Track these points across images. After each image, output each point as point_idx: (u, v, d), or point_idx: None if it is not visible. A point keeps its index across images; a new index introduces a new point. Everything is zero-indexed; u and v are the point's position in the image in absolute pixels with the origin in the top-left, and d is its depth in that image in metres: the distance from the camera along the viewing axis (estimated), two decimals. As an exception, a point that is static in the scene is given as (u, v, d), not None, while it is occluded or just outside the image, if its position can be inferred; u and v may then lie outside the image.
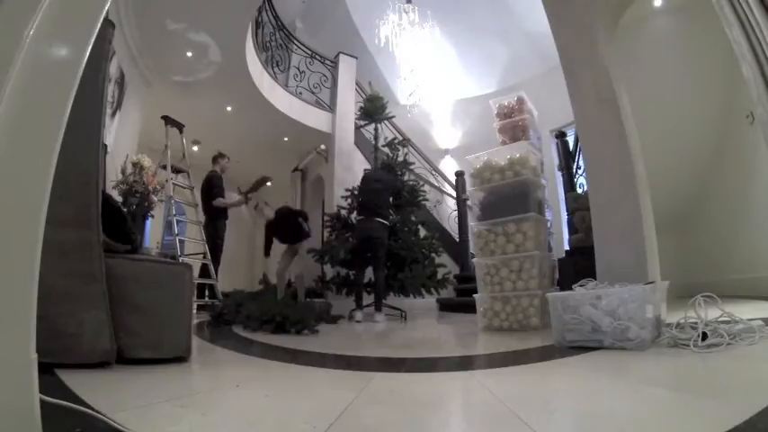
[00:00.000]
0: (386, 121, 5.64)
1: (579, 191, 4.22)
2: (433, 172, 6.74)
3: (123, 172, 3.83)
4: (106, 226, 1.46)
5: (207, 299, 4.37)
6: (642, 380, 1.25)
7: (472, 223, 3.27)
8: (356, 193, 4.75)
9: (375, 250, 4.04)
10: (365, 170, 5.17)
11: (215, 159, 5.14)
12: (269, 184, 5.36)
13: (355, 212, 4.56)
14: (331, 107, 6.52)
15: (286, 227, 4.59)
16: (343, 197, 5.04)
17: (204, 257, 4.50)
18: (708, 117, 3.73)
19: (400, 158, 5.12)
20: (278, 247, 4.79)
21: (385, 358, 1.89)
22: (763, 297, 2.89)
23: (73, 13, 0.73)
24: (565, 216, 4.37)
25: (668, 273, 2.42)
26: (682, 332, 1.59)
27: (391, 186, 4.51)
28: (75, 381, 1.15)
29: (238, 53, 4.98)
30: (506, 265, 2.71)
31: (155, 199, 3.99)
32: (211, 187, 4.82)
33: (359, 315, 3.82)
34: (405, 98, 6.25)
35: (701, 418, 0.83)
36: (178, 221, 4.28)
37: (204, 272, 4.47)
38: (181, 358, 1.63)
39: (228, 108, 6.13)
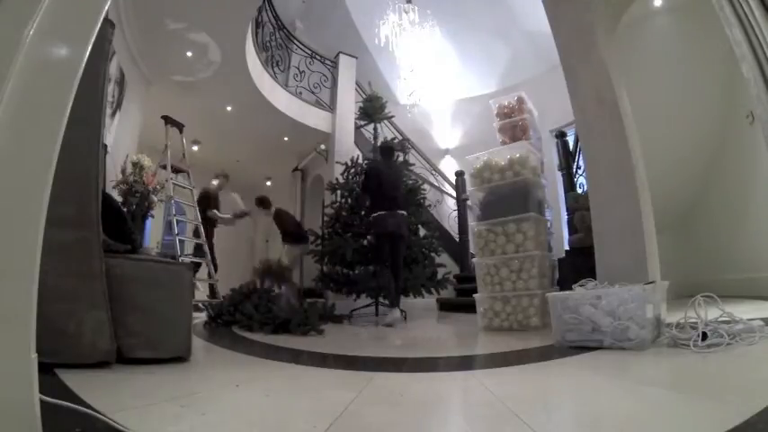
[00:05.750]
0: (386, 121, 5.63)
1: (579, 191, 4.22)
2: (433, 172, 6.74)
3: (123, 172, 3.83)
4: (106, 226, 1.46)
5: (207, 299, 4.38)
6: (642, 380, 1.25)
7: (472, 223, 3.27)
8: (360, 187, 4.36)
9: (398, 247, 3.75)
10: (366, 163, 4.88)
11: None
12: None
13: (367, 206, 4.08)
14: (331, 107, 6.51)
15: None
16: (343, 196, 5.01)
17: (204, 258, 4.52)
18: (708, 117, 3.73)
19: (399, 159, 5.10)
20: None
21: (385, 358, 1.89)
22: (763, 297, 2.89)
23: (73, 13, 0.73)
24: (565, 216, 4.36)
25: (668, 273, 2.41)
26: (682, 332, 1.59)
27: (403, 174, 4.25)
28: (75, 381, 1.15)
29: (238, 53, 4.97)
30: (506, 265, 2.71)
31: (155, 199, 3.99)
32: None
33: (389, 317, 3.40)
34: (405, 98, 6.25)
35: (701, 418, 0.83)
36: (178, 221, 4.28)
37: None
38: (181, 358, 1.63)
39: (228, 108, 6.13)
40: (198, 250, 4.70)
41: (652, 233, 2.41)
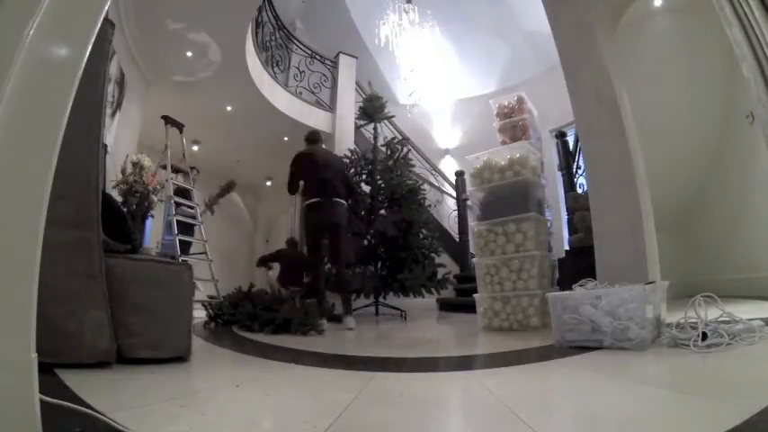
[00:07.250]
0: (386, 121, 5.63)
1: (579, 191, 4.22)
2: (433, 172, 6.74)
3: (123, 172, 3.82)
4: (106, 226, 1.46)
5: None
6: (642, 380, 1.25)
7: (472, 223, 3.27)
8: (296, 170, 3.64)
9: (338, 240, 3.41)
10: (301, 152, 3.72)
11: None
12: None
13: (302, 192, 3.53)
14: (331, 107, 6.52)
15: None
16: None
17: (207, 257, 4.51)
18: (708, 117, 3.73)
19: (400, 158, 5.10)
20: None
21: (385, 358, 1.89)
22: (763, 297, 2.89)
23: (73, 13, 0.73)
24: (565, 216, 4.36)
25: (668, 273, 2.42)
26: (682, 332, 1.59)
27: (342, 171, 3.73)
28: (75, 381, 1.15)
29: (238, 53, 4.98)
30: (506, 265, 2.71)
31: (155, 199, 3.99)
32: None
33: (351, 321, 3.17)
34: (405, 98, 6.25)
35: (701, 418, 0.83)
36: (178, 221, 4.27)
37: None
38: (181, 358, 1.63)
39: (228, 108, 6.13)
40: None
41: (652, 233, 2.41)
